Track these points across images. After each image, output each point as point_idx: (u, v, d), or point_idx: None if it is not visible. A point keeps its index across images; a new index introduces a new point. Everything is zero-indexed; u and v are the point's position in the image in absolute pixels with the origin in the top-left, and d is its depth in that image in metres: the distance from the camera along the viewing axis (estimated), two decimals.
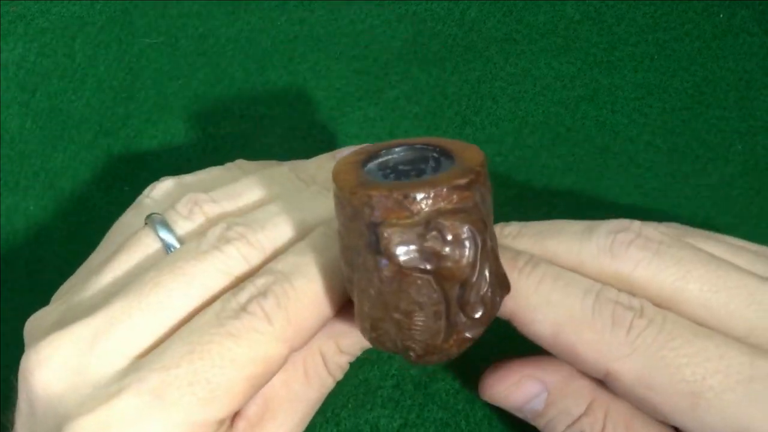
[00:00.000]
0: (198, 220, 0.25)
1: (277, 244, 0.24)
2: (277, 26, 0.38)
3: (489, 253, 0.20)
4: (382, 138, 0.36)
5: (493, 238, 0.21)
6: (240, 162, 0.30)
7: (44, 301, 0.32)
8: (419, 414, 0.30)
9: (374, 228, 0.19)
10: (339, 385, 0.31)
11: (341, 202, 0.20)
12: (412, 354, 0.21)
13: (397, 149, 0.22)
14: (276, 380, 0.24)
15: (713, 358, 0.21)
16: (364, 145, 0.23)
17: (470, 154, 0.21)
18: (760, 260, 0.25)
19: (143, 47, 0.37)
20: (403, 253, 0.19)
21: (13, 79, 0.37)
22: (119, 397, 0.21)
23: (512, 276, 0.23)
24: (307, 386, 0.24)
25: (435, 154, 0.22)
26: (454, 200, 0.19)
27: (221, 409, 0.21)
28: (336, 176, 0.21)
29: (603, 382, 0.23)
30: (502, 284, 0.21)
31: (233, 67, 0.37)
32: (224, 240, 0.24)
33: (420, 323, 0.20)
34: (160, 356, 0.22)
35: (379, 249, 0.19)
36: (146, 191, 0.28)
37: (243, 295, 0.22)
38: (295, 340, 0.22)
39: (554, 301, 0.23)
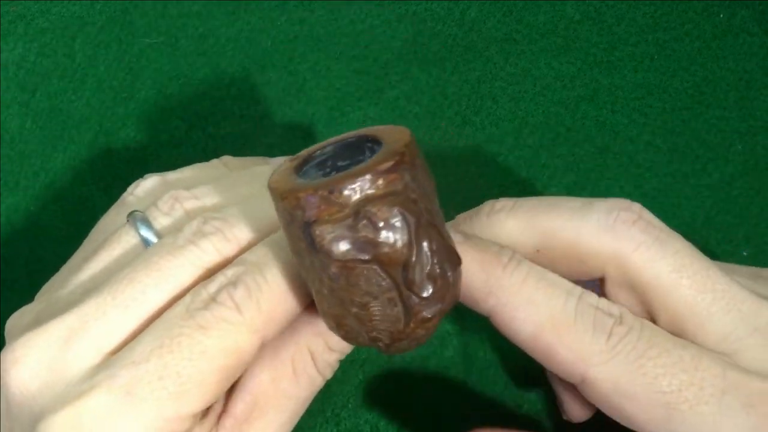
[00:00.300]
0: (179, 217, 0.25)
1: (254, 238, 0.24)
2: (277, 26, 0.38)
3: (427, 229, 0.20)
4: None
5: (434, 214, 0.21)
6: (225, 158, 0.30)
7: None
8: (419, 414, 0.31)
9: (307, 228, 0.19)
10: (339, 385, 0.31)
11: (277, 209, 0.20)
12: (381, 344, 0.21)
13: (329, 147, 0.22)
14: (264, 377, 0.24)
15: (689, 369, 0.22)
16: (302, 150, 0.23)
17: (396, 136, 0.21)
18: (752, 278, 0.25)
19: (143, 47, 0.37)
20: (338, 247, 0.19)
21: (13, 79, 0.37)
22: (90, 394, 0.21)
23: (496, 272, 0.23)
24: (295, 384, 0.24)
25: (369, 144, 0.22)
26: (381, 185, 0.19)
27: (193, 402, 0.21)
28: (270, 185, 0.21)
29: (576, 387, 0.23)
30: (450, 258, 0.21)
31: (233, 67, 0.37)
32: (200, 234, 0.23)
33: (378, 313, 0.20)
34: (130, 352, 0.21)
35: (316, 248, 0.19)
36: (130, 189, 0.28)
37: (213, 286, 0.22)
38: (266, 330, 0.22)
39: (537, 301, 0.22)
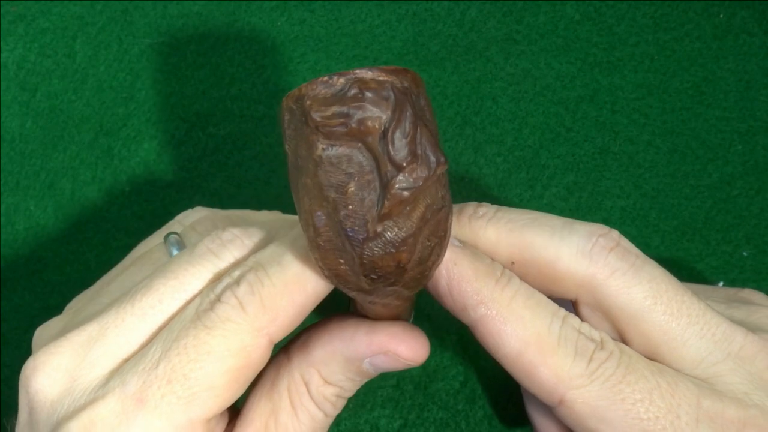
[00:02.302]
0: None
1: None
2: (277, 26, 0.38)
3: (418, 114, 0.20)
4: None
5: (429, 120, 0.21)
6: (277, 213, 0.30)
7: (44, 301, 0.32)
8: (419, 414, 0.30)
9: (303, 106, 0.20)
10: None
11: (283, 117, 0.21)
12: (356, 245, 0.20)
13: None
14: (264, 409, 0.24)
15: (666, 395, 0.22)
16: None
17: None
18: (726, 302, 0.25)
19: (143, 47, 0.37)
20: (324, 111, 0.19)
21: (14, 79, 0.37)
22: (102, 402, 0.21)
23: (489, 283, 0.23)
24: (294, 418, 0.24)
25: None
26: (380, 74, 0.19)
27: (204, 407, 0.21)
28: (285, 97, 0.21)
29: (553, 410, 0.23)
30: (434, 151, 0.20)
31: (233, 67, 0.37)
32: (219, 243, 0.24)
33: (355, 197, 0.20)
34: (141, 358, 0.22)
35: (307, 122, 0.20)
36: (178, 216, 0.28)
37: (219, 287, 0.22)
38: (271, 327, 0.22)
39: (525, 318, 0.23)
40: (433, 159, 0.20)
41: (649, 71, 0.37)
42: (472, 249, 0.24)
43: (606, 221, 0.34)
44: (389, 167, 0.20)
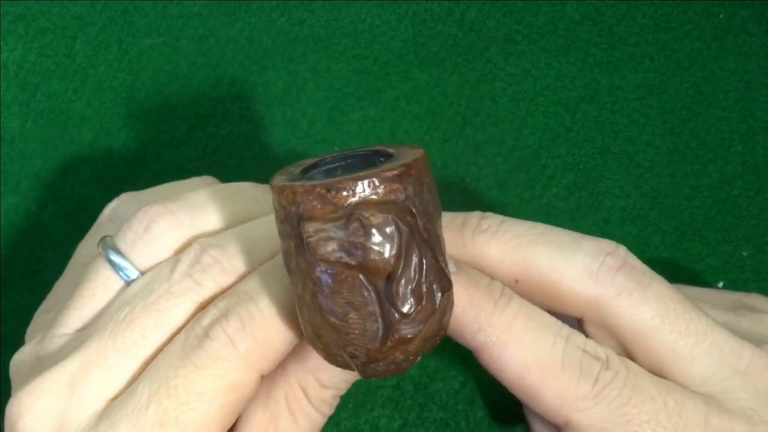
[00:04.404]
0: (155, 236, 0.24)
1: (252, 267, 0.23)
2: (277, 26, 0.38)
3: (421, 246, 0.19)
4: (382, 138, 0.36)
5: (431, 235, 0.20)
6: (207, 178, 0.29)
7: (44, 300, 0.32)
8: (419, 414, 0.30)
9: (299, 225, 0.19)
10: None
11: (274, 205, 0.20)
12: (358, 363, 0.20)
13: (339, 157, 0.22)
14: (262, 417, 0.24)
15: (673, 415, 0.22)
16: (312, 158, 0.22)
17: (410, 152, 0.20)
18: (734, 309, 0.25)
19: (143, 47, 0.37)
20: (325, 247, 0.19)
21: (14, 79, 0.37)
22: None
23: (487, 309, 0.22)
24: (293, 423, 0.24)
25: (382, 158, 0.21)
26: (381, 192, 0.19)
27: None
28: (271, 181, 0.20)
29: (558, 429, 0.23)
30: (440, 280, 0.20)
31: (233, 67, 0.37)
32: (198, 267, 0.22)
33: (356, 326, 0.19)
34: (129, 398, 0.21)
35: (304, 245, 0.19)
36: (105, 209, 0.27)
37: (205, 320, 0.21)
38: (262, 362, 0.22)
39: (525, 341, 0.22)
40: (438, 293, 0.20)
41: (649, 71, 0.37)
42: (467, 271, 0.23)
43: (606, 221, 0.34)
44: (392, 310, 0.19)
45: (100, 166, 0.35)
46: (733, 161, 0.35)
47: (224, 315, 0.21)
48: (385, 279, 0.19)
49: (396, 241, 0.19)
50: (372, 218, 0.18)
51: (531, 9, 0.38)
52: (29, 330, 0.26)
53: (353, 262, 0.19)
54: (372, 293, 0.19)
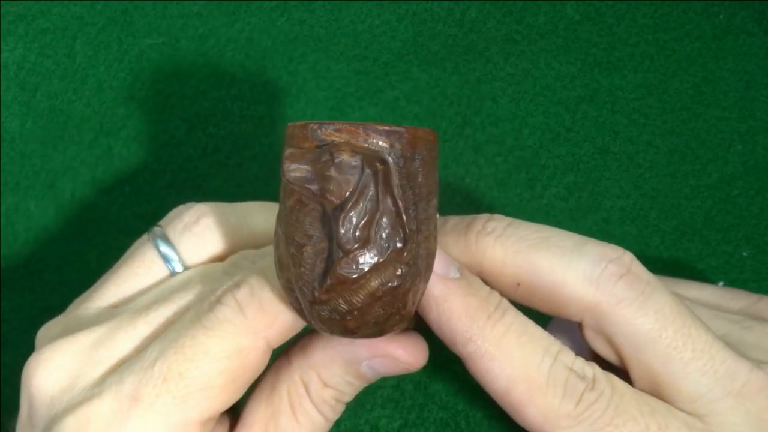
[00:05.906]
0: (203, 229, 0.26)
1: None
2: (277, 26, 0.38)
3: (385, 193, 0.19)
4: None
5: (409, 197, 0.20)
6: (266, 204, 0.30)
7: (44, 301, 0.32)
8: (419, 414, 0.31)
9: (281, 157, 0.20)
10: None
11: (285, 139, 0.21)
12: (305, 303, 0.20)
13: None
14: (264, 412, 0.24)
15: None
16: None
17: (420, 131, 0.21)
18: (750, 304, 0.25)
19: (143, 47, 0.37)
20: (294, 171, 0.19)
21: (14, 80, 0.37)
22: (98, 399, 0.21)
23: (480, 320, 0.22)
24: (293, 421, 0.24)
25: None
26: (366, 141, 0.19)
27: (199, 407, 0.21)
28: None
29: None
30: (396, 233, 0.20)
31: (233, 67, 0.37)
32: (233, 264, 0.24)
33: (309, 260, 0.20)
34: (140, 358, 0.22)
35: (281, 172, 0.20)
36: (171, 213, 0.28)
37: (220, 290, 0.23)
38: (269, 331, 0.22)
39: (514, 356, 0.22)
40: (388, 244, 0.20)
41: (649, 71, 0.37)
42: (468, 279, 0.23)
43: (606, 221, 0.34)
44: (338, 249, 0.19)
45: (100, 166, 0.35)
46: (733, 161, 0.35)
47: (236, 285, 0.22)
48: (337, 212, 0.19)
49: (355, 178, 0.19)
50: (341, 154, 0.19)
51: (531, 9, 0.38)
52: (67, 310, 0.27)
53: (313, 188, 0.19)
54: (328, 230, 0.20)
